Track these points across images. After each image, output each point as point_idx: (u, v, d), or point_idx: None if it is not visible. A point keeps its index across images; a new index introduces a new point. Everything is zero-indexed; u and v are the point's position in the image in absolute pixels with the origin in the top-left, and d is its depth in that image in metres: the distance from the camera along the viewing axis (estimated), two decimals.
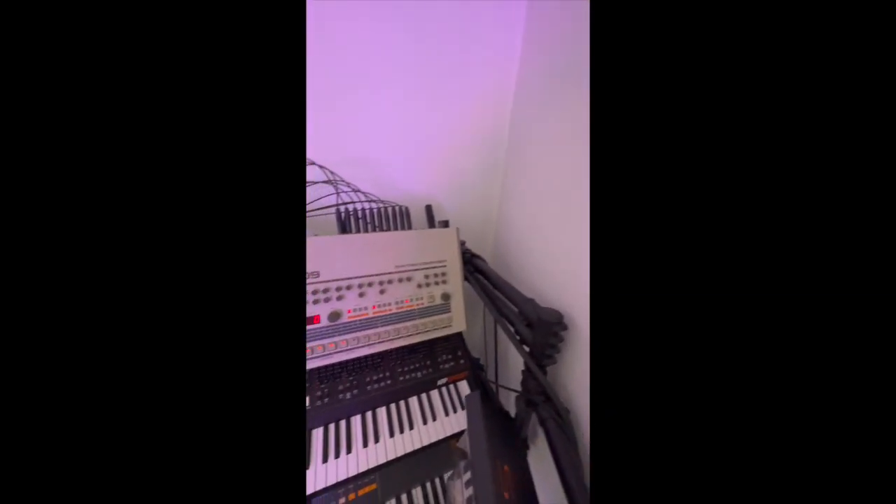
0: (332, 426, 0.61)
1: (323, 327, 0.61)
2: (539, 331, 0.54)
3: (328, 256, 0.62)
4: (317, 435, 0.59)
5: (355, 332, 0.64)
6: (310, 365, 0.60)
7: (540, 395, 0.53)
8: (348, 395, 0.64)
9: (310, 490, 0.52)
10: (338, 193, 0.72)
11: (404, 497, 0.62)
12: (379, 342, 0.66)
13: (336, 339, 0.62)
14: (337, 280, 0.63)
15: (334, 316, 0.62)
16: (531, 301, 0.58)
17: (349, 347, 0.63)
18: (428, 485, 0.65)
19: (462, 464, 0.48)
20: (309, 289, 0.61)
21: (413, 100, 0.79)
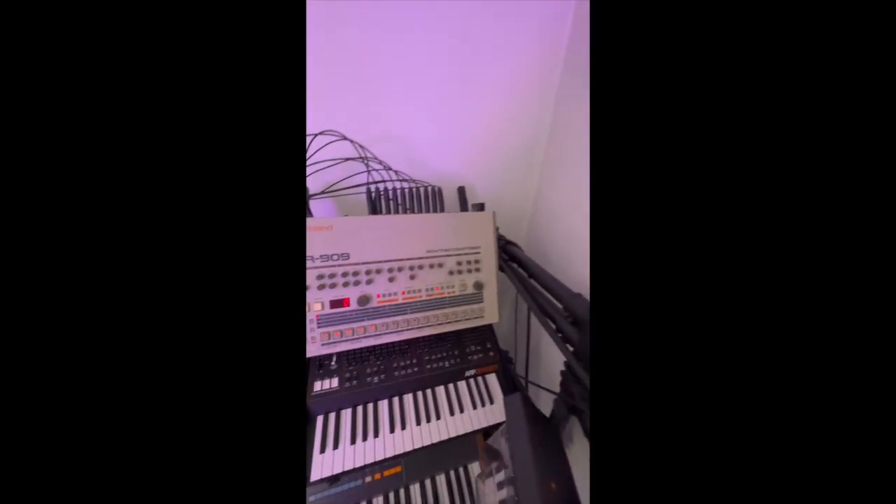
0: (360, 408, 0.61)
1: (352, 311, 0.60)
2: (588, 330, 0.48)
3: (358, 238, 0.60)
4: (346, 416, 0.59)
5: (384, 317, 0.62)
6: (338, 348, 0.60)
7: (586, 402, 0.48)
8: (376, 380, 0.63)
9: (338, 470, 0.52)
10: (369, 171, 0.68)
11: (428, 482, 0.62)
12: (408, 329, 0.64)
13: (365, 323, 0.61)
14: (367, 263, 0.60)
15: (364, 300, 0.60)
16: (579, 296, 0.51)
17: (378, 333, 0.62)
18: (452, 473, 0.64)
19: (494, 465, 0.46)
20: (338, 271, 0.59)
21: (452, 74, 0.71)
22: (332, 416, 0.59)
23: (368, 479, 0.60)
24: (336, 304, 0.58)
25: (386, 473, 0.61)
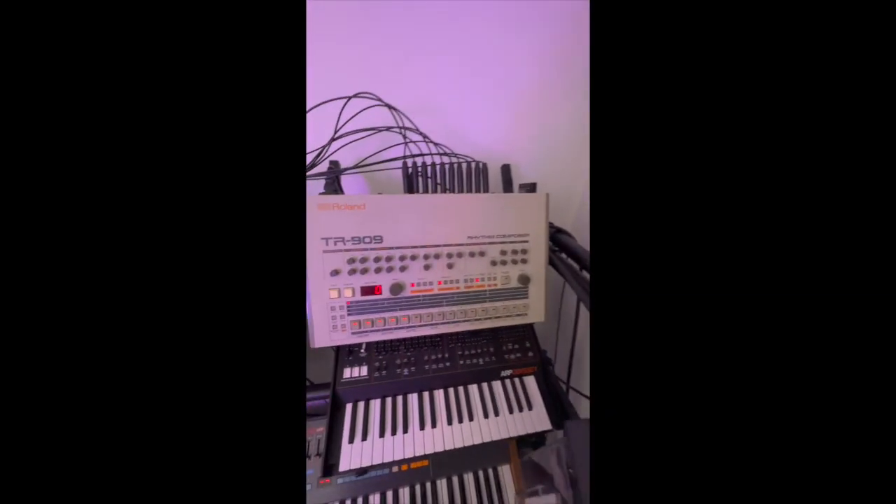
0: (388, 400, 0.58)
1: (384, 299, 0.55)
2: None
3: (393, 219, 0.53)
4: (375, 406, 0.57)
5: (417, 308, 0.57)
6: (367, 338, 0.56)
7: None
8: (405, 372, 0.60)
9: (366, 462, 0.51)
10: (406, 143, 0.60)
11: (455, 479, 0.59)
12: (442, 322, 0.58)
13: (397, 313, 0.56)
14: (401, 248, 0.54)
15: (396, 288, 0.54)
16: None
17: (410, 325, 0.57)
18: (480, 473, 0.60)
19: (540, 486, 0.41)
20: (371, 255, 0.53)
21: (497, 39, 0.60)
22: (361, 405, 0.57)
23: (395, 468, 0.58)
24: (367, 290, 0.54)
25: (413, 466, 0.59)
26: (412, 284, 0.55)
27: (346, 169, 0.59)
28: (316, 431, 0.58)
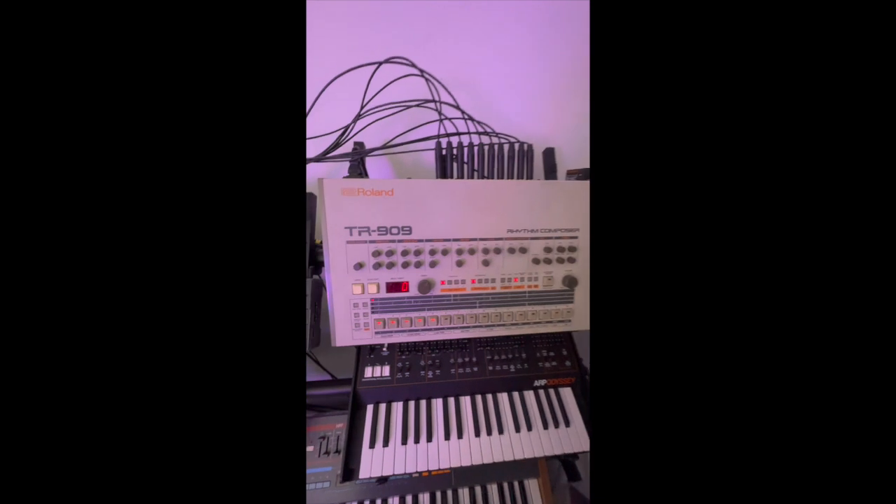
0: (412, 404, 0.54)
1: (411, 297, 0.50)
2: None
3: (424, 208, 0.47)
4: (397, 410, 0.53)
5: (447, 309, 0.51)
6: (392, 339, 0.51)
7: None
8: (430, 375, 0.55)
9: (387, 471, 0.47)
10: (442, 120, 0.52)
11: (478, 490, 0.55)
12: (475, 326, 0.52)
13: (425, 313, 0.50)
14: (432, 241, 0.48)
15: (425, 286, 0.49)
16: None
17: (438, 327, 0.51)
18: (505, 485, 0.56)
19: None
20: (398, 247, 0.48)
21: (543, 11, 0.49)
22: (383, 407, 0.53)
23: (415, 473, 0.55)
24: (393, 287, 0.49)
25: (434, 472, 0.56)
26: (442, 282, 0.50)
27: (373, 149, 0.53)
28: (336, 427, 0.56)
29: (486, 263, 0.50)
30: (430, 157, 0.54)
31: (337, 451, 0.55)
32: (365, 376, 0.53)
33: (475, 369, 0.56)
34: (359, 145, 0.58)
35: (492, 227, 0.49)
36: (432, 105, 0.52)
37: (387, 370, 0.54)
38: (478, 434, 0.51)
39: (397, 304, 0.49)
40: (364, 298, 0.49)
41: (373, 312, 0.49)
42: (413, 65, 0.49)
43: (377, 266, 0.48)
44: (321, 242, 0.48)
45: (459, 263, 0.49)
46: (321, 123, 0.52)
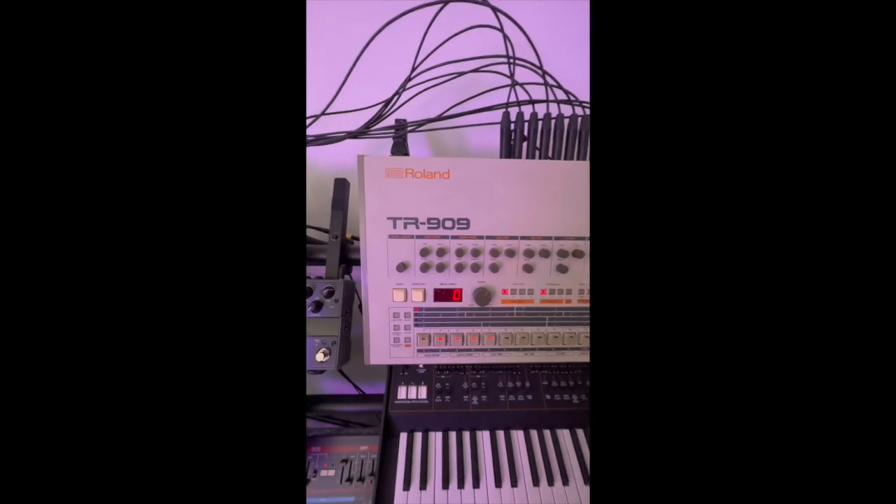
0: (453, 435, 0.45)
1: (464, 308, 0.41)
2: None
3: (486, 195, 0.38)
4: (435, 441, 0.44)
5: (508, 325, 0.42)
6: (438, 360, 0.42)
7: None
8: (475, 401, 0.46)
9: None
10: (514, 86, 0.41)
11: None
12: (542, 349, 0.42)
13: (480, 330, 0.41)
14: (495, 238, 0.39)
15: (483, 296, 0.39)
16: None
17: (497, 347, 0.42)
18: None
19: None
20: (452, 245, 0.38)
21: None
22: (419, 437, 0.45)
23: None
24: (443, 295, 0.40)
25: None
26: (504, 291, 0.41)
27: (427, 120, 0.42)
28: (360, 449, 0.48)
29: (561, 269, 0.40)
30: (481, 138, 0.43)
31: (360, 479, 0.47)
32: (398, 397, 0.45)
33: (529, 397, 0.47)
34: (400, 123, 0.48)
35: (572, 223, 0.39)
36: (503, 62, 0.40)
37: (423, 391, 0.46)
38: (536, 482, 0.41)
39: (447, 316, 0.41)
40: (406, 307, 0.40)
41: (416, 325, 0.41)
42: (485, 2, 0.37)
43: (425, 268, 0.39)
44: (353, 237, 0.40)
45: (528, 268, 0.40)
46: (358, 95, 0.43)
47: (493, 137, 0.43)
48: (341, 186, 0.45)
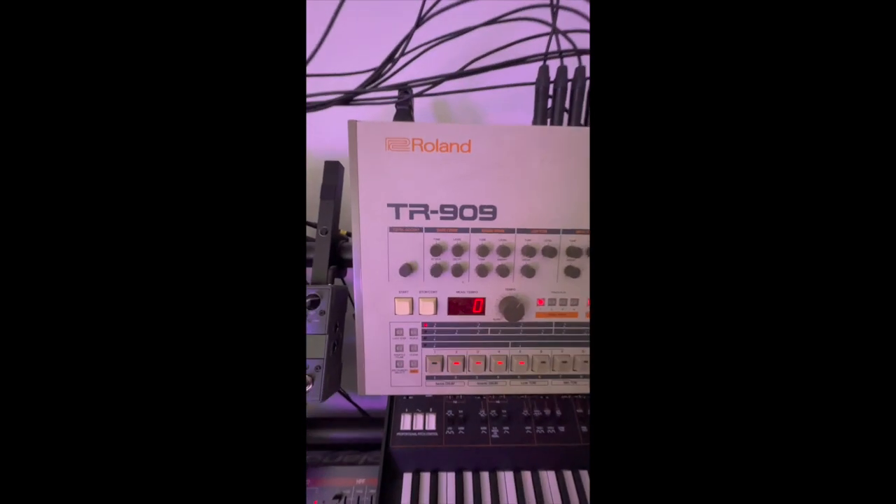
0: (468, 476, 0.38)
1: (487, 323, 0.34)
2: None
3: (517, 175, 0.31)
4: (446, 484, 0.38)
5: (545, 346, 0.34)
6: (453, 389, 0.36)
7: None
8: (495, 433, 0.39)
9: None
10: (554, 35, 0.32)
11: None
12: (586, 377, 0.34)
13: (508, 351, 0.34)
14: (529, 231, 0.32)
15: (513, 308, 0.32)
16: None
17: (528, 374, 0.34)
18: None
19: None
20: (473, 240, 0.31)
21: None
22: (426, 479, 0.38)
23: None
24: (461, 306, 0.33)
25: None
26: (540, 301, 0.33)
27: (443, 77, 0.34)
28: (356, 482, 0.43)
29: None
30: (504, 112, 0.34)
31: None
32: (401, 428, 0.38)
33: (561, 429, 0.39)
34: (404, 86, 0.40)
35: None
36: (543, 2, 0.31)
37: (432, 421, 0.39)
38: None
39: (465, 333, 0.34)
40: (412, 322, 0.34)
41: (425, 345, 0.34)
42: None
43: (437, 270, 0.32)
44: (347, 233, 0.34)
45: (571, 271, 0.31)
46: (348, 58, 0.35)
47: (521, 111, 0.35)
48: (333, 171, 0.39)
